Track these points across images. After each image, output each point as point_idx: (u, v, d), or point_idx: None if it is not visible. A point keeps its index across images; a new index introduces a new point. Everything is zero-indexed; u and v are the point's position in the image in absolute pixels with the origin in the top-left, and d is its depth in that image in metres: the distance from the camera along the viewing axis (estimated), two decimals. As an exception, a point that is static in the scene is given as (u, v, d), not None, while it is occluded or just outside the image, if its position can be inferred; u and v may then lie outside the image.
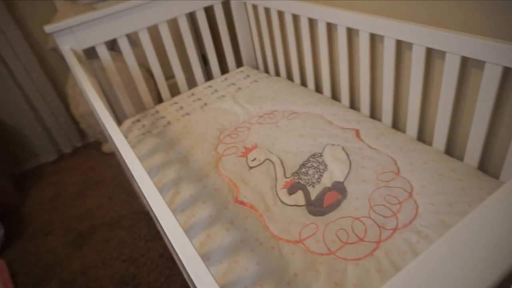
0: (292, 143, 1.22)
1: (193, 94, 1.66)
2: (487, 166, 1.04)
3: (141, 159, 1.27)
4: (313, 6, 1.29)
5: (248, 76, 1.71)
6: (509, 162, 0.93)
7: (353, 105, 1.42)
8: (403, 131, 1.23)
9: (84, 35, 1.41)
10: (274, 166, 1.15)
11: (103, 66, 1.92)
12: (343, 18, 1.20)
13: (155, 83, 2.25)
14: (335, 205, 0.98)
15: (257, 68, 1.91)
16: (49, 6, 2.06)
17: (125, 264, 1.58)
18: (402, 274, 0.34)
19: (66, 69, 2.18)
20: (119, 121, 2.00)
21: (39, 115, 2.20)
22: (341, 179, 1.05)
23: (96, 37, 1.45)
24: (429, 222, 0.86)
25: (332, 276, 0.80)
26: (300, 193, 1.04)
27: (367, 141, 1.16)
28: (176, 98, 1.66)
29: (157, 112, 1.59)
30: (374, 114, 1.35)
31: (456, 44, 0.92)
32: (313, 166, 1.12)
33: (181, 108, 1.57)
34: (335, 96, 1.49)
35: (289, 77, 1.71)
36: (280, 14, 1.54)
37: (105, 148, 2.32)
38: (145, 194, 0.63)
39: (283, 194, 1.05)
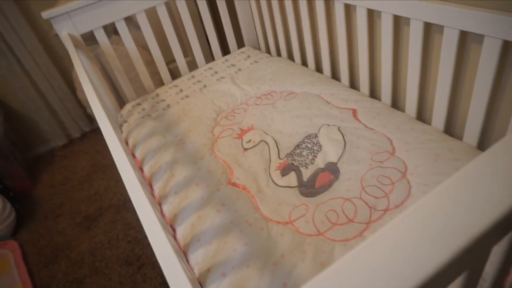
0: (288, 124, 1.21)
1: (193, 77, 1.65)
2: (487, 145, 1.01)
3: (139, 142, 1.29)
4: (310, -18, 1.25)
5: (248, 57, 1.69)
6: (508, 141, 0.89)
7: (353, 84, 1.39)
8: (403, 110, 1.19)
9: (81, 20, 1.41)
10: (269, 148, 1.14)
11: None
12: (340, -6, 1.16)
13: (159, 67, 2.24)
14: (327, 186, 0.97)
15: (259, 48, 1.87)
16: (52, -9, 2.06)
17: (130, 245, 1.62)
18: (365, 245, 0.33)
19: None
20: (124, 103, 2.02)
21: (47, 101, 2.24)
22: (334, 159, 1.03)
23: (93, 21, 1.45)
24: (421, 202, 0.84)
25: (319, 257, 0.80)
26: (292, 174, 1.03)
27: (364, 121, 1.13)
28: (176, 81, 1.66)
29: (157, 95, 1.59)
30: (373, 93, 1.31)
31: (453, 18, 0.88)
32: (307, 147, 1.10)
33: (181, 90, 1.57)
34: (335, 75, 1.46)
35: (290, 56, 1.68)
36: (279, -9, 1.50)
37: (113, 132, 2.35)
38: (128, 191, 0.63)
39: (276, 175, 1.05)
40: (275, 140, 1.16)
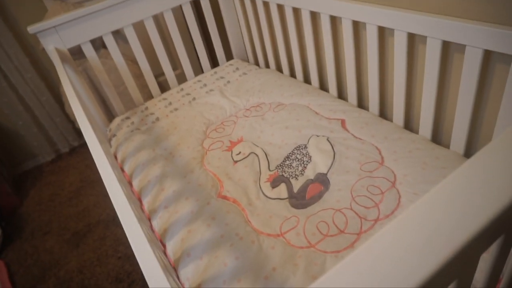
0: (277, 135, 1.21)
1: (182, 89, 1.65)
2: (473, 153, 1.02)
3: (128, 156, 1.27)
4: (296, -5, 1.27)
5: (237, 69, 1.70)
6: (494, 148, 0.90)
7: (341, 95, 1.40)
8: (390, 120, 1.20)
9: (68, 34, 1.41)
10: (259, 159, 1.14)
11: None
12: (326, 6, 1.18)
13: (148, 80, 2.24)
14: (317, 197, 0.97)
15: (247, 60, 1.89)
16: (39, 6, 2.06)
17: (120, 261, 1.59)
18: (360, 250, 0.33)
19: (59, 69, 2.19)
20: (113, 117, 2.00)
21: (35, 115, 2.22)
22: (324, 170, 1.04)
23: (81, 35, 1.44)
24: (411, 211, 0.84)
25: (311, 269, 0.79)
26: (283, 186, 1.03)
27: (352, 131, 1.14)
28: (165, 94, 1.66)
29: (146, 108, 1.58)
30: (361, 103, 1.33)
31: (436, 28, 0.89)
32: (297, 158, 1.10)
33: (170, 103, 1.57)
34: (323, 86, 1.47)
35: (278, 68, 1.69)
36: (266, 4, 1.52)
37: (102, 146, 2.33)
38: (115, 206, 0.62)
39: (266, 187, 1.04)
40: (264, 152, 1.16)
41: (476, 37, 0.82)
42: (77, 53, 1.92)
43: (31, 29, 1.31)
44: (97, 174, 2.15)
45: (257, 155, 1.16)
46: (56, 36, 1.38)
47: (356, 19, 1.10)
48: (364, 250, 0.34)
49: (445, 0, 0.89)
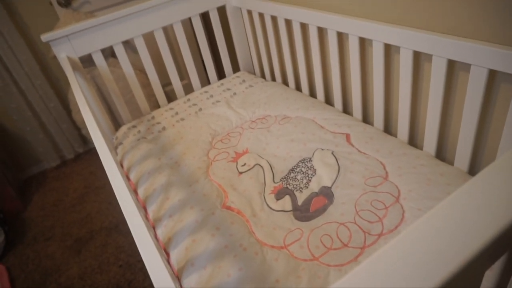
0: (282, 148, 1.22)
1: (189, 100, 1.67)
2: (477, 170, 1.02)
3: (134, 165, 1.29)
4: (304, 11, 1.29)
5: (244, 81, 1.72)
6: (498, 166, 0.91)
7: (346, 109, 1.42)
8: (395, 135, 1.21)
9: (80, 43, 1.44)
10: (264, 171, 1.15)
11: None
12: (333, 22, 1.20)
13: (155, 89, 2.27)
14: (321, 210, 0.97)
15: (253, 73, 1.91)
16: (51, 15, 2.10)
17: (121, 269, 1.59)
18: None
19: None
20: (120, 126, 2.03)
21: (42, 121, 2.25)
22: (329, 184, 1.04)
23: (92, 44, 1.47)
24: (414, 227, 0.85)
25: (314, 282, 0.79)
26: (287, 198, 1.03)
27: (357, 145, 1.15)
28: (172, 104, 1.68)
29: (153, 118, 1.60)
30: (366, 118, 1.34)
31: (441, 47, 0.91)
32: (301, 171, 1.11)
33: (177, 113, 1.58)
34: (328, 100, 1.49)
35: (285, 81, 1.71)
36: (274, 19, 1.55)
37: (107, 153, 2.34)
38: (124, 213, 0.63)
39: (270, 199, 1.05)
40: (269, 164, 1.17)
41: (481, 57, 0.84)
42: (86, 61, 1.96)
43: (44, 37, 1.35)
44: (102, 181, 2.16)
45: (262, 167, 1.17)
46: (68, 44, 1.41)
47: (362, 35, 1.12)
48: (367, 266, 0.35)
49: (450, 20, 0.91)
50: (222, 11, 1.80)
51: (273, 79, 1.78)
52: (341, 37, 1.27)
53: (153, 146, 1.36)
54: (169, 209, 1.06)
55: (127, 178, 1.28)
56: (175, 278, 0.87)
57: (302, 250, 0.88)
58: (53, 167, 2.39)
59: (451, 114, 1.03)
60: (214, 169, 1.20)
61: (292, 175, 1.11)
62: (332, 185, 1.04)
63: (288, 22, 1.47)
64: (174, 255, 0.93)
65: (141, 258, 1.61)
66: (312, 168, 1.11)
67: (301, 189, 1.06)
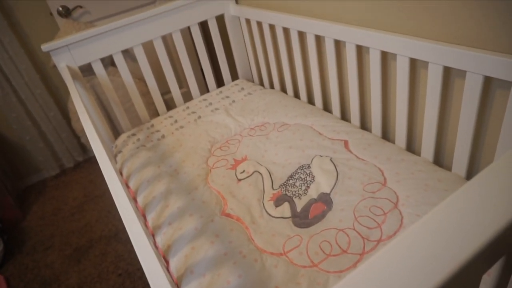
0: (281, 155, 1.23)
1: (188, 108, 1.68)
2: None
3: (133, 173, 1.29)
4: (302, 19, 1.31)
5: (242, 89, 1.73)
6: (495, 171, 0.92)
7: (344, 116, 1.43)
8: (393, 142, 1.22)
9: (80, 52, 1.45)
10: (263, 178, 1.15)
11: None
12: (330, 30, 1.22)
13: (154, 98, 2.28)
14: (320, 216, 0.98)
15: (252, 81, 1.93)
16: (52, 25, 2.13)
17: (121, 278, 1.58)
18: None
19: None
20: (119, 134, 2.03)
21: (42, 130, 2.25)
22: (327, 190, 1.05)
23: (91, 54, 1.48)
24: (413, 233, 0.85)
25: (313, 289, 0.79)
26: (286, 205, 1.04)
27: (355, 152, 1.15)
28: (171, 112, 1.69)
29: (152, 126, 1.61)
30: (364, 125, 1.35)
31: (437, 54, 0.92)
32: (300, 177, 1.12)
33: (176, 121, 1.59)
34: (326, 107, 1.50)
35: (283, 89, 1.73)
36: (272, 27, 1.56)
37: (106, 162, 2.35)
38: (124, 222, 0.63)
39: (269, 206, 1.05)
40: (268, 171, 1.18)
41: (476, 64, 0.85)
42: (85, 70, 1.97)
43: (45, 47, 1.36)
44: (101, 190, 2.16)
45: (261, 174, 1.17)
46: (68, 54, 1.43)
47: (360, 43, 1.13)
48: (364, 270, 0.35)
49: (448, 28, 0.93)
50: (220, 20, 1.81)
51: (272, 86, 1.79)
52: (339, 45, 1.29)
53: (153, 154, 1.36)
54: (169, 217, 1.07)
55: (126, 186, 1.28)
56: (174, 286, 0.87)
57: (301, 256, 0.88)
58: (53, 176, 2.40)
59: (448, 120, 1.04)
60: (213, 177, 1.21)
61: (291, 181, 1.11)
62: (330, 191, 1.04)
63: (286, 31, 1.49)
64: (174, 262, 0.93)
65: (140, 266, 1.60)
66: (310, 175, 1.11)
67: (300, 195, 1.06)
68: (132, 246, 1.71)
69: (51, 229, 1.95)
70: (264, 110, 1.49)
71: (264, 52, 1.70)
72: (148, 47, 2.11)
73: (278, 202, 1.06)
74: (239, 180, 1.17)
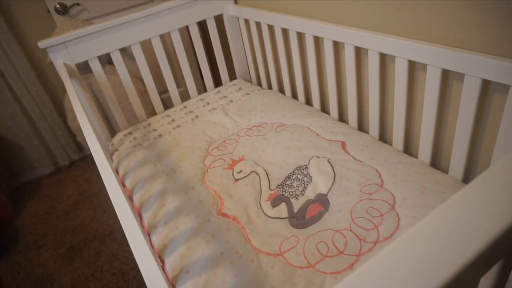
0: (278, 155, 1.23)
1: (185, 107, 1.67)
2: (472, 178, 1.03)
3: (129, 171, 1.28)
4: (301, 20, 1.31)
5: (240, 89, 1.73)
6: (492, 174, 0.92)
7: (342, 117, 1.43)
8: (390, 144, 1.22)
9: (77, 50, 1.44)
10: (260, 178, 1.15)
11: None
12: (329, 32, 1.22)
13: (151, 97, 2.27)
14: (317, 217, 0.97)
15: (250, 81, 1.92)
16: (49, 22, 2.11)
17: (115, 277, 1.57)
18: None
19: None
20: (115, 132, 2.02)
21: (37, 128, 2.23)
22: (324, 191, 1.05)
23: (89, 51, 1.47)
24: (410, 235, 0.85)
25: (310, 289, 0.79)
26: (283, 206, 1.03)
27: (353, 153, 1.15)
28: (168, 111, 1.68)
29: (149, 124, 1.60)
30: (361, 126, 1.35)
31: (436, 57, 0.93)
32: (297, 178, 1.11)
33: (173, 120, 1.59)
34: (324, 108, 1.50)
35: (281, 89, 1.73)
36: (270, 28, 1.56)
37: (102, 160, 2.33)
38: (120, 220, 0.62)
39: (266, 206, 1.05)
40: (266, 171, 1.17)
41: (474, 67, 0.85)
42: (82, 68, 1.96)
43: (42, 44, 1.35)
44: (96, 188, 2.15)
45: (258, 174, 1.17)
46: (65, 51, 1.42)
47: (358, 45, 1.13)
48: (362, 273, 0.35)
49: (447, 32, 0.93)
50: (219, 19, 1.81)
51: (270, 87, 1.79)
52: (337, 46, 1.29)
53: (149, 153, 1.36)
54: (165, 216, 1.06)
55: (122, 184, 1.27)
56: (169, 284, 0.86)
57: (297, 257, 0.88)
58: (47, 174, 2.38)
59: (445, 123, 1.05)
60: (210, 176, 1.20)
61: (288, 182, 1.11)
62: (328, 192, 1.04)
63: (284, 31, 1.49)
64: (169, 262, 0.92)
65: (135, 266, 1.59)
66: (308, 176, 1.11)
67: (297, 196, 1.06)
68: (127, 246, 1.70)
69: (45, 228, 1.93)
70: (261, 111, 1.49)
71: (262, 52, 1.70)
72: (146, 46, 2.10)
73: (275, 202, 1.05)
74: (236, 180, 1.17)
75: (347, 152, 1.17)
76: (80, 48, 1.45)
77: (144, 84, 2.24)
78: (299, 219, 0.98)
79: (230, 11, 1.71)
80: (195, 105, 1.67)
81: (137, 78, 2.22)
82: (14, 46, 1.99)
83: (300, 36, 1.43)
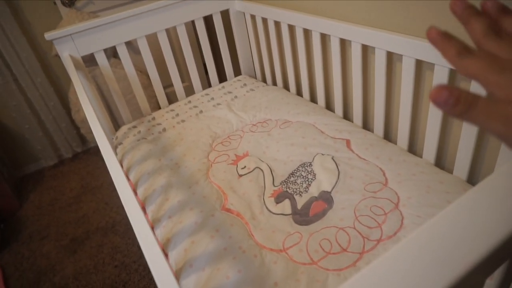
0: (282, 151, 1.23)
1: (189, 102, 1.68)
2: (476, 179, 1.03)
3: (134, 165, 1.28)
4: (308, 17, 1.31)
5: (245, 85, 1.73)
6: (497, 175, 0.92)
7: (346, 115, 1.43)
8: (394, 142, 1.22)
9: (83, 42, 1.44)
10: (264, 175, 1.15)
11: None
12: (336, 29, 1.21)
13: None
14: (321, 214, 0.98)
15: (255, 77, 1.92)
16: (54, 14, 2.11)
17: (117, 269, 1.58)
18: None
19: (69, 75, 2.22)
20: (119, 126, 2.02)
21: (41, 120, 2.24)
22: (328, 188, 1.05)
23: (95, 44, 1.47)
24: (413, 234, 0.85)
25: (312, 286, 0.79)
26: (287, 202, 1.04)
27: (357, 151, 1.15)
28: (173, 105, 1.68)
29: (153, 118, 1.60)
30: (366, 124, 1.35)
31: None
32: (301, 175, 1.12)
33: (177, 115, 1.59)
34: (329, 106, 1.50)
35: (286, 86, 1.72)
36: (277, 24, 1.56)
37: (105, 153, 2.34)
38: (127, 211, 0.63)
39: (270, 202, 1.05)
40: (270, 167, 1.17)
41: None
42: (87, 61, 1.96)
43: (48, 36, 1.35)
44: (99, 181, 2.15)
45: (262, 170, 1.17)
46: (71, 43, 1.42)
47: (365, 43, 1.13)
48: (366, 273, 0.35)
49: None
50: (225, 14, 1.81)
51: (274, 83, 1.79)
52: (344, 44, 1.28)
53: (153, 147, 1.36)
54: (169, 210, 1.06)
55: (126, 178, 1.28)
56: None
57: (301, 254, 0.88)
58: (51, 166, 2.39)
59: (451, 122, 1.04)
60: (214, 171, 1.21)
61: (292, 179, 1.11)
62: (331, 190, 1.04)
63: (291, 28, 1.48)
64: (173, 256, 0.93)
65: (136, 259, 1.60)
66: (312, 173, 1.11)
67: (300, 193, 1.06)
68: (129, 239, 1.71)
69: (48, 219, 1.94)
70: (266, 107, 1.49)
71: (268, 48, 1.70)
72: (150, 40, 2.10)
73: (278, 199, 1.06)
74: (240, 175, 1.17)
75: (352, 150, 1.17)
76: (86, 41, 1.45)
77: (148, 78, 2.25)
78: (303, 216, 0.99)
79: (236, 6, 1.70)
80: (199, 100, 1.67)
81: (141, 71, 2.22)
82: (20, 37, 1.99)
83: (307, 33, 1.42)
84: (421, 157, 1.13)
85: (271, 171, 1.16)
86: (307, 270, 0.84)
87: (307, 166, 1.14)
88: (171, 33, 2.31)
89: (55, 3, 2.03)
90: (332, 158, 1.14)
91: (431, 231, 0.39)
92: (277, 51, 1.62)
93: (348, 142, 1.20)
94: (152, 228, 1.05)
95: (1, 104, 2.12)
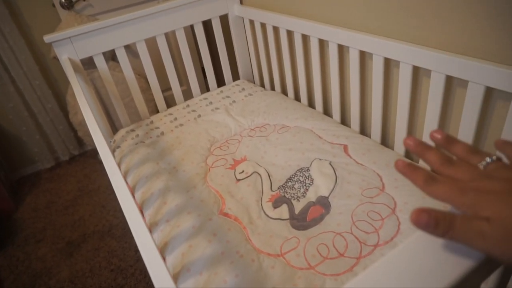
0: (280, 156, 1.23)
1: (188, 106, 1.68)
2: (473, 185, 1.04)
3: (131, 168, 1.28)
4: (306, 23, 1.32)
5: (243, 89, 1.73)
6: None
7: (344, 120, 1.43)
8: (391, 148, 1.23)
9: (82, 45, 1.45)
10: (261, 179, 1.16)
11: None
12: (334, 35, 1.23)
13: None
14: (318, 219, 0.98)
15: (253, 82, 1.93)
16: (53, 16, 2.11)
17: (113, 273, 1.57)
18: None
19: (68, 78, 2.22)
20: (117, 129, 2.02)
21: (39, 122, 2.24)
22: (326, 193, 1.05)
23: (94, 47, 1.48)
24: (410, 239, 0.86)
25: (310, 291, 0.80)
26: (284, 207, 1.04)
27: (355, 156, 1.16)
28: (171, 109, 1.68)
29: (151, 122, 1.61)
30: (363, 130, 1.36)
31: (440, 63, 0.93)
32: (299, 180, 1.12)
33: (176, 119, 1.59)
34: (327, 111, 1.51)
35: (284, 91, 1.73)
36: (276, 29, 1.57)
37: (102, 156, 2.34)
38: (125, 214, 0.63)
39: (267, 207, 1.05)
40: (267, 172, 1.18)
41: (478, 74, 0.86)
42: (85, 63, 1.96)
43: (47, 38, 1.35)
44: (95, 184, 2.15)
45: (260, 175, 1.17)
46: (70, 46, 1.42)
47: (363, 49, 1.14)
48: (363, 278, 0.35)
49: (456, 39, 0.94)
50: (224, 19, 1.82)
51: (273, 88, 1.80)
52: (342, 50, 1.29)
53: (151, 151, 1.36)
54: (166, 214, 1.06)
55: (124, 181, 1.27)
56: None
57: (298, 258, 0.88)
58: (47, 168, 2.38)
59: (448, 129, 1.05)
60: (212, 176, 1.21)
61: (289, 183, 1.12)
62: (329, 195, 1.05)
63: (289, 33, 1.50)
64: (170, 260, 0.93)
65: (133, 263, 1.60)
66: (309, 178, 1.12)
67: (298, 198, 1.06)
68: (125, 243, 1.71)
69: (44, 222, 1.93)
70: (264, 112, 1.50)
71: (266, 53, 1.71)
72: (149, 44, 2.11)
73: (276, 203, 1.06)
74: (238, 180, 1.17)
75: (349, 156, 1.17)
76: (85, 44, 1.45)
77: (146, 82, 2.25)
78: (300, 221, 0.99)
79: (235, 11, 1.71)
80: (198, 104, 1.68)
81: (139, 75, 2.23)
82: (18, 39, 1.99)
83: (305, 38, 1.43)
84: (418, 162, 1.14)
85: (269, 176, 1.16)
86: (305, 274, 0.84)
87: (304, 171, 1.15)
88: (170, 37, 2.32)
89: (53, 5, 2.03)
90: (330, 163, 1.15)
91: (427, 236, 0.39)
92: (276, 56, 1.63)
93: (345, 147, 1.21)
94: (150, 232, 1.05)
95: (-1, 106, 2.12)
